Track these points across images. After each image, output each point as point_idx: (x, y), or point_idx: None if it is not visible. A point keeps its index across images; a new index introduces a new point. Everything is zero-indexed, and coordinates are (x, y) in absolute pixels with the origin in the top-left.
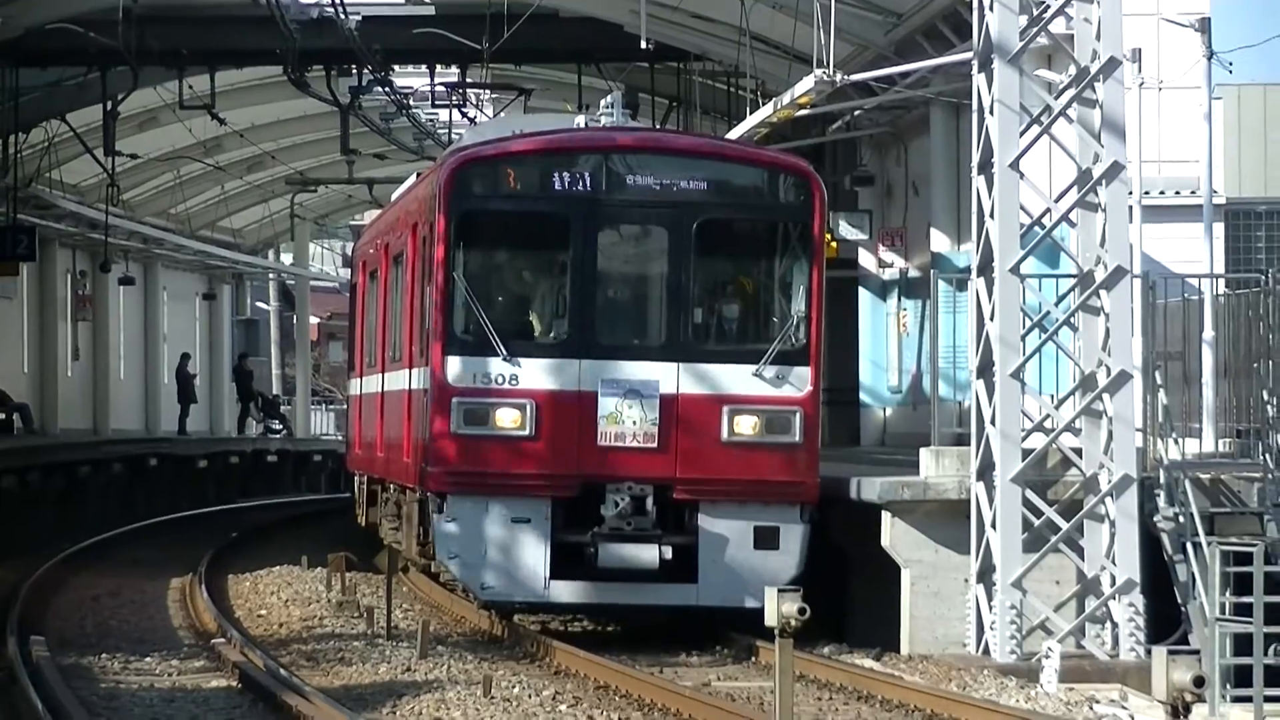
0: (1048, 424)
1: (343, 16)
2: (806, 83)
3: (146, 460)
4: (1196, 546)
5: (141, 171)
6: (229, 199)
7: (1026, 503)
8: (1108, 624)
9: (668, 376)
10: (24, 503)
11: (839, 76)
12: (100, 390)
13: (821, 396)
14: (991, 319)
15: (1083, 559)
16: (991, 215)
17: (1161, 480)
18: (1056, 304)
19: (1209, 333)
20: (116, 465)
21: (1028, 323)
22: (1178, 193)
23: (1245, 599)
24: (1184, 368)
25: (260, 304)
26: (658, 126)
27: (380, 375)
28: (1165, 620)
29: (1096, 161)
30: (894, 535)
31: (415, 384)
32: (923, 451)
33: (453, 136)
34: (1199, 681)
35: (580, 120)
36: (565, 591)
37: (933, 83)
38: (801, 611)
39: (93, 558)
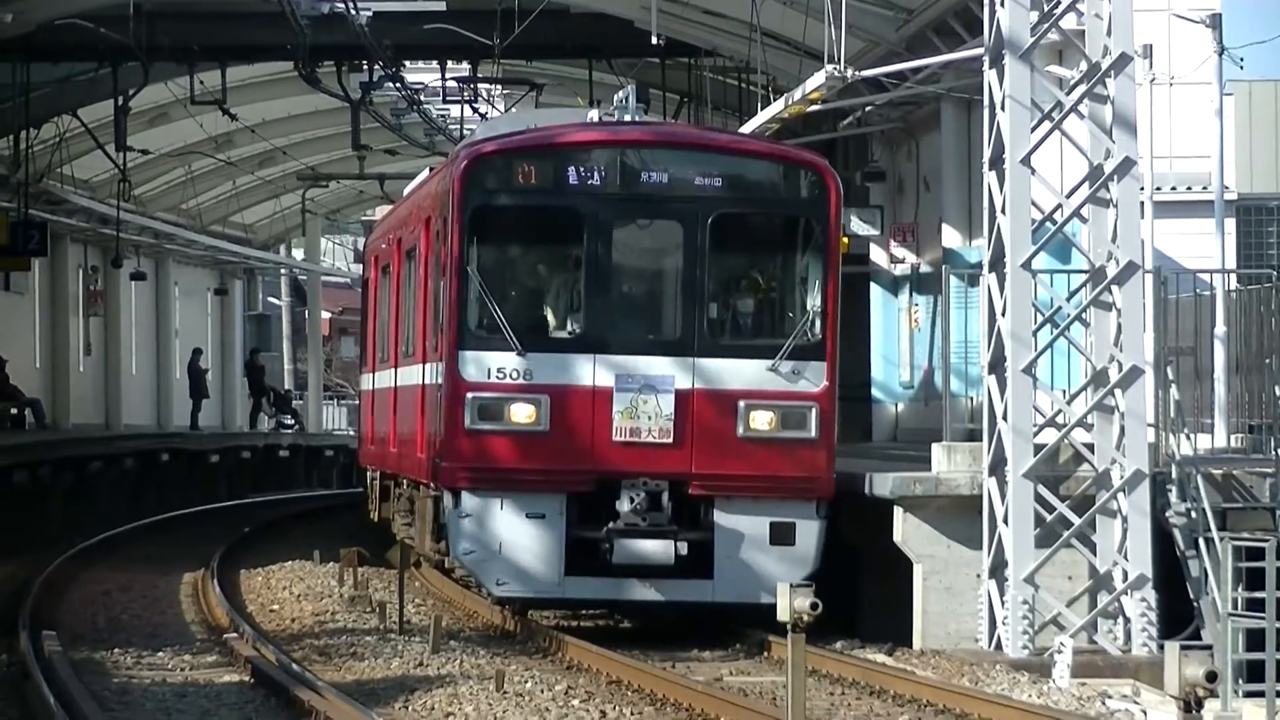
0: (1060, 419)
1: (354, 12)
2: (817, 78)
3: (158, 455)
4: (1209, 542)
5: (153, 167)
6: (240, 194)
7: (1038, 498)
8: (1120, 619)
9: (683, 372)
10: (36, 498)
11: (850, 72)
12: (112, 385)
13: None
14: (1003, 314)
15: (1095, 554)
16: (1003, 211)
17: (1174, 475)
18: (1068, 299)
19: (1221, 328)
20: (128, 460)
21: (1039, 318)
22: (1189, 188)
23: (1258, 594)
24: (1196, 363)
25: (272, 299)
26: (672, 121)
27: (393, 370)
28: (1177, 615)
29: (1108, 157)
30: (906, 530)
31: (429, 379)
32: (934, 447)
33: (464, 132)
34: (1211, 677)
35: (594, 115)
36: (580, 588)
37: (944, 78)
38: (814, 607)
39: (104, 553)
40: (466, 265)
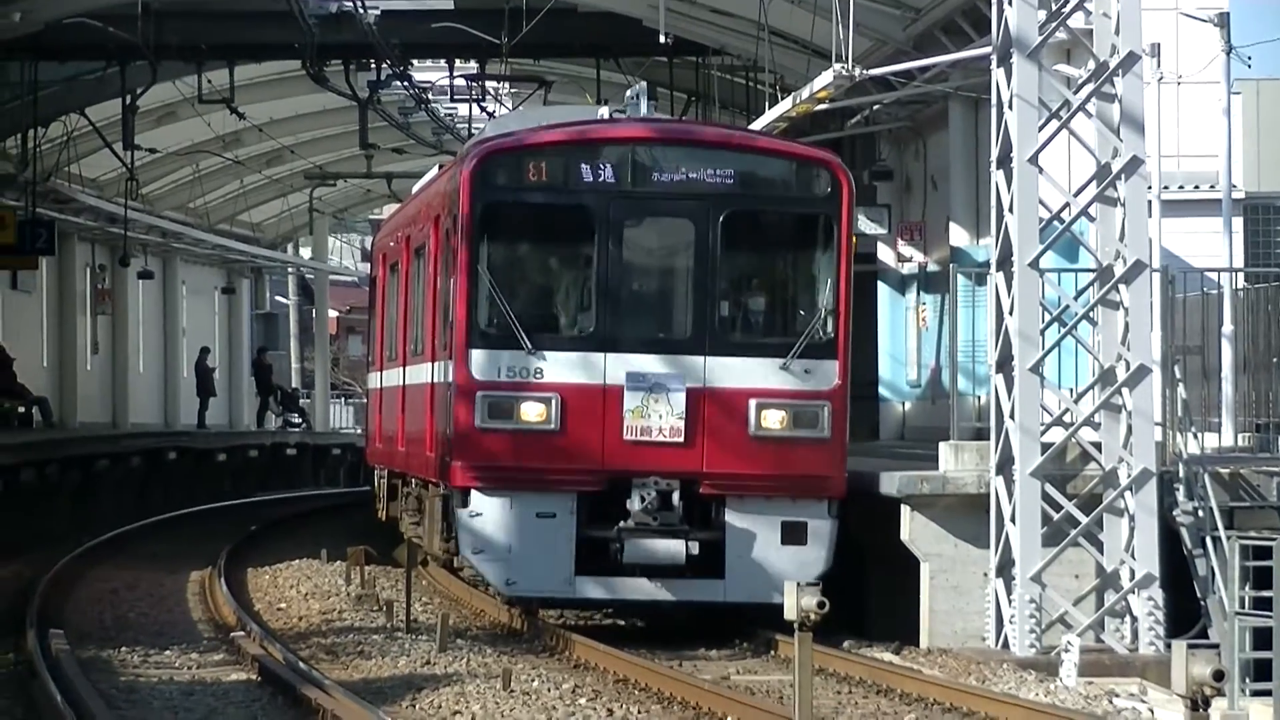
0: (1067, 418)
1: (361, 11)
2: (825, 77)
3: (165, 454)
4: (1216, 541)
5: (160, 166)
6: (248, 193)
7: (1046, 497)
8: (1127, 618)
9: (694, 370)
10: (43, 496)
11: (858, 71)
12: (119, 384)
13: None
14: (1010, 313)
15: (1102, 553)
16: (1010, 210)
17: (1181, 474)
18: (1076, 298)
19: (1228, 327)
20: (135, 459)
21: (1047, 317)
22: (1197, 187)
23: (1265, 593)
24: (1203, 362)
25: (279, 298)
26: (682, 118)
27: (401, 369)
28: (1184, 614)
29: (1115, 156)
30: (913, 529)
31: (438, 377)
32: (942, 446)
33: (472, 130)
34: (1218, 676)
35: (604, 112)
36: (591, 587)
37: (951, 77)
38: (821, 605)
39: (111, 551)
40: (476, 263)
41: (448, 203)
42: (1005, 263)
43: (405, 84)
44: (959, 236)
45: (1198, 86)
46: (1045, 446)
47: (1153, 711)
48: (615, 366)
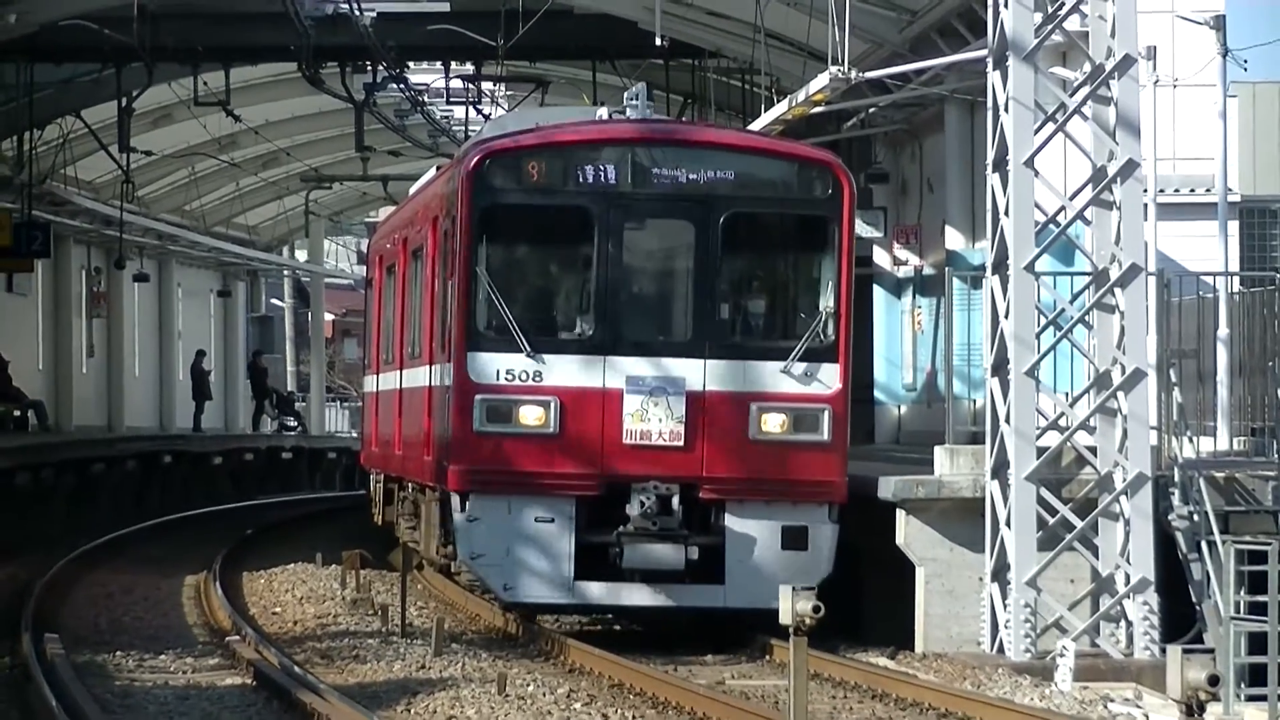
0: (1062, 422)
1: (357, 13)
2: (821, 80)
3: (161, 457)
4: (1211, 545)
5: (156, 168)
6: (244, 195)
7: (1041, 501)
8: (1122, 622)
9: (694, 373)
10: (38, 500)
11: (854, 74)
12: (115, 387)
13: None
14: (1006, 317)
15: (1097, 557)
16: (1006, 213)
17: (1176, 479)
18: (1071, 302)
19: (1224, 331)
20: (130, 462)
21: (1042, 320)
22: (1193, 190)
23: (1260, 598)
24: (1199, 366)
25: (275, 301)
26: (683, 119)
27: (398, 372)
28: (1180, 619)
29: (1111, 159)
30: (908, 533)
31: (436, 380)
32: (937, 450)
33: (468, 133)
34: (1214, 680)
35: (603, 112)
36: (589, 593)
37: (947, 80)
38: (816, 610)
39: (107, 555)
40: (475, 265)
41: (446, 204)
42: (1001, 266)
43: (401, 86)
44: (955, 240)
45: (1193, 89)
46: (1041, 450)
47: (1148, 716)
48: (615, 370)
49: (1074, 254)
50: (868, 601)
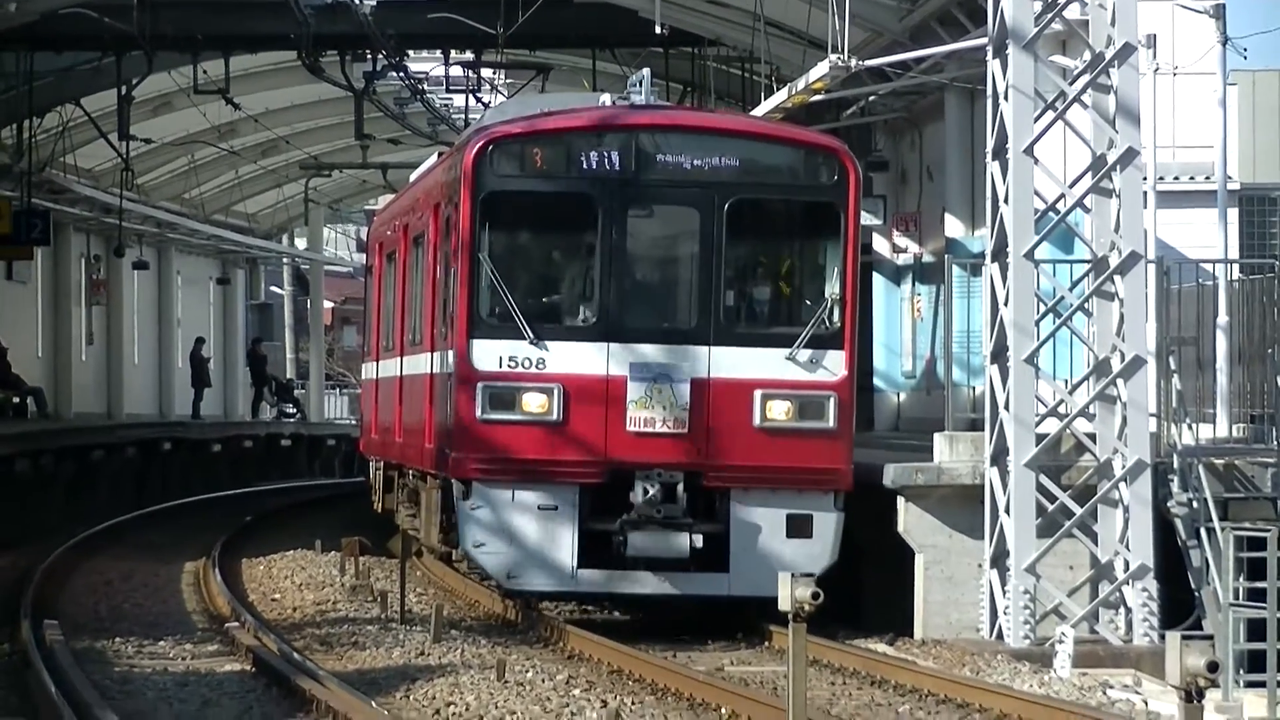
0: (1062, 409)
1: (357, 2)
2: (821, 68)
3: (160, 444)
4: (1210, 532)
5: (155, 156)
6: (243, 183)
7: (1040, 488)
8: (1121, 609)
9: (699, 361)
10: (37, 487)
11: (853, 62)
12: (114, 374)
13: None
14: (1006, 304)
15: (1096, 544)
16: (1006, 201)
17: (1175, 465)
18: (1071, 289)
19: (1223, 318)
20: (130, 449)
21: (1042, 308)
22: (1192, 178)
23: (1259, 584)
24: (1198, 353)
25: (274, 288)
26: (689, 105)
27: (399, 359)
28: (1179, 605)
29: (1111, 147)
30: (908, 520)
31: (437, 368)
32: (937, 437)
33: (468, 120)
34: (1213, 667)
35: (606, 98)
36: (593, 581)
37: (947, 68)
38: (815, 596)
39: (106, 542)
40: (478, 252)
41: (448, 190)
42: (1000, 254)
43: (401, 75)
44: (954, 227)
45: (1193, 78)
46: (1040, 437)
47: (1146, 703)
48: (619, 357)
49: (1073, 241)
50: (867, 588)
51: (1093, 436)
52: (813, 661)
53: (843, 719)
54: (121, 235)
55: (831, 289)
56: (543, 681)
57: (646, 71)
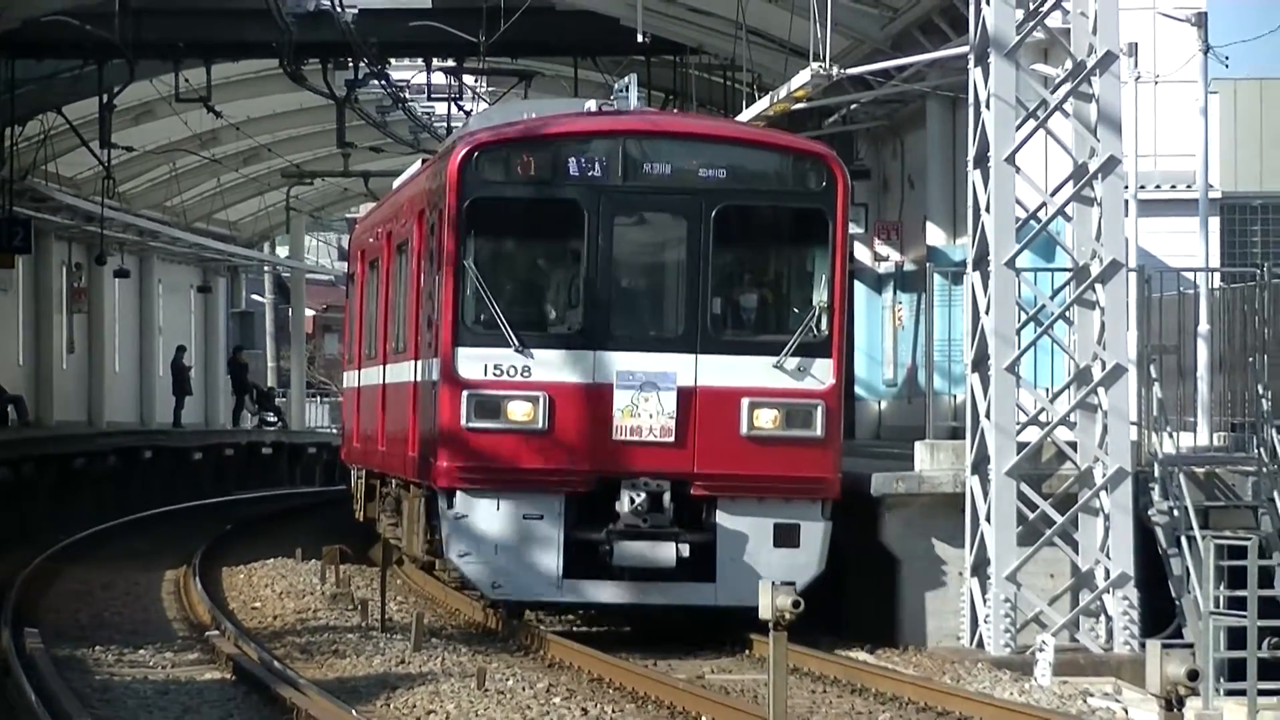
0: (1043, 417)
1: (339, 10)
2: (803, 76)
3: (141, 452)
4: (1191, 540)
5: (137, 164)
6: (225, 192)
7: (1021, 496)
8: (1102, 617)
9: (685, 368)
10: (19, 495)
11: (835, 70)
12: (95, 382)
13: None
14: (987, 313)
15: (1077, 552)
16: (987, 209)
17: (1156, 474)
18: (1052, 298)
19: (1204, 326)
20: (111, 457)
21: (1023, 316)
22: (1173, 187)
23: (1239, 593)
24: (1179, 361)
25: (256, 296)
26: (675, 111)
27: (381, 367)
28: (1159, 614)
29: (1092, 156)
30: (889, 528)
31: (421, 376)
32: (918, 445)
33: (450, 128)
34: (1193, 675)
35: (591, 105)
36: (579, 591)
37: (929, 77)
38: (796, 605)
39: (87, 550)
40: (463, 259)
41: (433, 197)
42: (982, 262)
43: (383, 83)
44: (936, 236)
45: (1175, 86)
46: (1021, 446)
47: (1127, 711)
48: (605, 365)
49: (1055, 250)
50: (848, 596)
51: (1074, 445)
52: (793, 669)
53: None
54: (103, 243)
55: (819, 296)
56: (523, 690)
57: (632, 77)
